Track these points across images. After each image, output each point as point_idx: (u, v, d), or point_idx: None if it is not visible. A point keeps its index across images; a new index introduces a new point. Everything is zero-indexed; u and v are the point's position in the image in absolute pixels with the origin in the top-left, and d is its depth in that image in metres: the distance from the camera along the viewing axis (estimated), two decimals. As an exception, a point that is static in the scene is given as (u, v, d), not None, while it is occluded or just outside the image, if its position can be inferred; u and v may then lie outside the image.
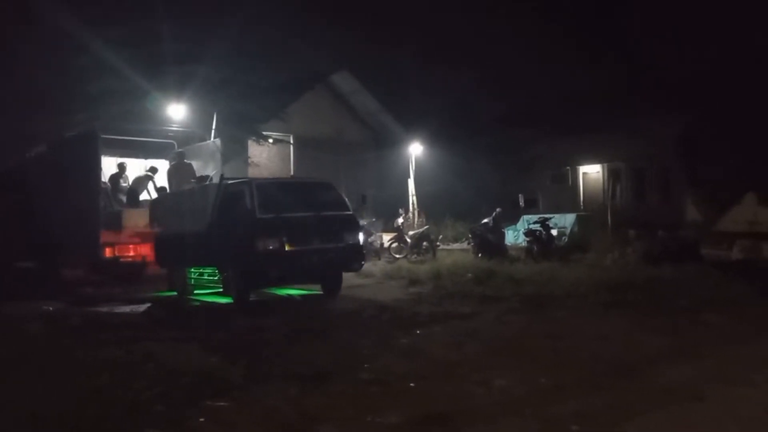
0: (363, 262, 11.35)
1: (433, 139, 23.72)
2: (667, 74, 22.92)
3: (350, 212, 10.99)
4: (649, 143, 22.08)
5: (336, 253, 10.32)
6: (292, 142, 22.46)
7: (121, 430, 4.43)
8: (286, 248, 9.73)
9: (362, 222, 18.14)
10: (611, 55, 25.06)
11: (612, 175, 23.68)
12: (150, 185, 14.66)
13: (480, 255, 16.03)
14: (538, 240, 16.35)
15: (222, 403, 5.07)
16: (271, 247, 9.65)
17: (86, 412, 4.66)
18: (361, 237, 11.44)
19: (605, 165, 24.49)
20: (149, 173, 14.82)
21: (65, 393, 5.12)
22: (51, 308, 9.38)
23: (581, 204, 24.16)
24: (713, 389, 5.59)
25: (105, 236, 11.92)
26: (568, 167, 25.62)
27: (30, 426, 4.38)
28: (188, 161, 14.92)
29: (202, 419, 4.72)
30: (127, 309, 9.72)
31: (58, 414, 4.59)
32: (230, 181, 10.70)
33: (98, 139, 12.09)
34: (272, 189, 10.73)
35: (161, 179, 14.85)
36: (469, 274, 12.59)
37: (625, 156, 23.53)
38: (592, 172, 25.16)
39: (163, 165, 15.40)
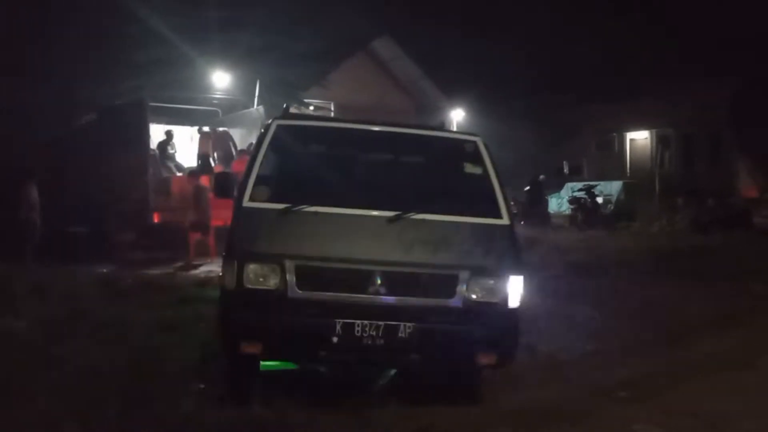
0: (512, 350, 4.45)
1: (474, 105, 23.46)
2: (717, 36, 22.08)
3: (504, 221, 4.54)
4: (698, 108, 21.40)
5: (435, 323, 4.19)
6: (332, 109, 22.46)
7: (175, 383, 4.62)
8: (293, 292, 4.14)
9: None
10: (659, 18, 24.23)
11: (660, 142, 23.09)
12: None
13: (523, 223, 15.93)
14: (583, 208, 16.19)
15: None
16: (249, 286, 4.16)
17: (142, 369, 4.86)
18: (518, 288, 4.41)
19: (653, 131, 23.87)
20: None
21: (121, 351, 5.33)
22: (105, 270, 9.71)
23: (628, 171, 23.69)
24: (760, 359, 5.53)
25: (153, 202, 12.28)
26: (614, 133, 25.06)
27: (90, 380, 4.58)
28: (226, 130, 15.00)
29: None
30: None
31: (115, 370, 4.81)
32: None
33: (147, 107, 12.44)
34: (311, 140, 5.39)
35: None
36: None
37: (673, 122, 22.88)
38: (639, 138, 24.56)
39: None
